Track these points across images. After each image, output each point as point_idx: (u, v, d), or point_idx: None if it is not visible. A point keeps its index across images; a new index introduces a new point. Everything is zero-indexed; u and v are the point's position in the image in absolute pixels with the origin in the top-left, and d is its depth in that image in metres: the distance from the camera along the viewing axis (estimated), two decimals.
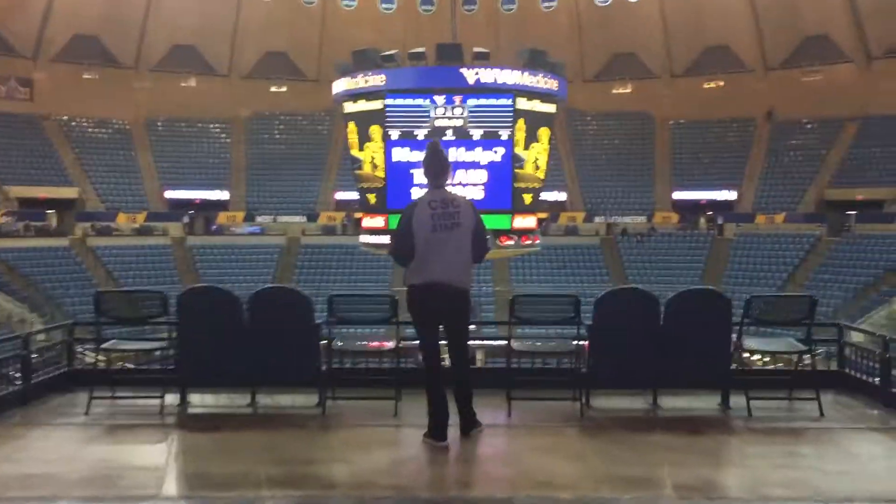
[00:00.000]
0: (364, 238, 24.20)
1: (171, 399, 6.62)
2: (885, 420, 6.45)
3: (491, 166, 22.16)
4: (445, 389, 5.69)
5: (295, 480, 5.00)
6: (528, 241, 23.58)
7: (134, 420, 6.42)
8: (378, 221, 22.80)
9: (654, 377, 6.51)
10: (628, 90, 48.10)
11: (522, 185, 22.76)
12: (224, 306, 6.62)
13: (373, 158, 22.53)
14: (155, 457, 5.53)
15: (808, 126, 44.99)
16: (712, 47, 46.74)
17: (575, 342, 6.58)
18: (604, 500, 4.63)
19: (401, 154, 22.05)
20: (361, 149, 22.76)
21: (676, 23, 46.55)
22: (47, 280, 34.06)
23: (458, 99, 21.88)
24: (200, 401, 6.86)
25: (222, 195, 44.46)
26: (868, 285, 33.46)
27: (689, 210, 43.35)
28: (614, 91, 48.06)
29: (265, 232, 42.19)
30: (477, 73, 21.83)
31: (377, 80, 21.90)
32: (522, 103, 22.08)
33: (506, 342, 6.67)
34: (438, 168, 5.85)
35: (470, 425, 5.76)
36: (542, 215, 28.09)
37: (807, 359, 6.85)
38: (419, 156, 21.47)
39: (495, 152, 22.21)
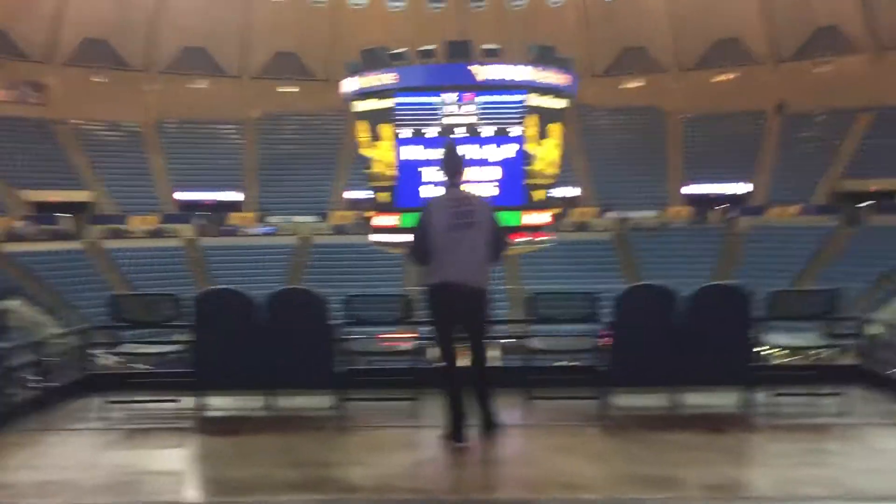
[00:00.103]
0: (374, 236, 24.21)
1: (188, 402, 6.59)
2: None
3: (503, 163, 22.12)
4: (464, 389, 5.63)
5: (313, 484, 4.95)
6: (541, 237, 23.53)
7: (151, 424, 6.39)
8: (389, 220, 22.79)
9: (674, 374, 6.41)
10: (638, 85, 47.87)
11: (534, 181, 22.71)
12: (239, 308, 6.57)
13: (383, 157, 22.52)
14: (173, 461, 5.50)
15: (820, 118, 44.63)
16: (722, 40, 46.51)
17: (594, 340, 6.50)
18: (629, 502, 4.56)
19: (411, 152, 22.05)
20: (372, 147, 22.77)
21: (685, 16, 46.33)
22: (62, 283, 34.22)
23: (468, 96, 21.85)
24: (217, 404, 6.82)
25: (234, 196, 44.57)
26: (883, 277, 33.16)
27: (702, 204, 43.13)
28: (624, 86, 47.86)
29: (277, 232, 42.24)
30: (487, 70, 21.79)
31: (387, 78, 21.91)
32: (533, 99, 22.05)
33: (523, 340, 6.59)
34: (454, 167, 5.80)
35: (489, 425, 5.69)
36: (556, 210, 27.97)
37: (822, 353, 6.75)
38: (429, 154, 21.48)
39: (507, 149, 22.16)
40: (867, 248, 35.62)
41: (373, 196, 24.10)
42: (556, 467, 5.24)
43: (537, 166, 22.55)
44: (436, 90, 21.84)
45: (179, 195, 43.80)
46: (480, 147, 21.89)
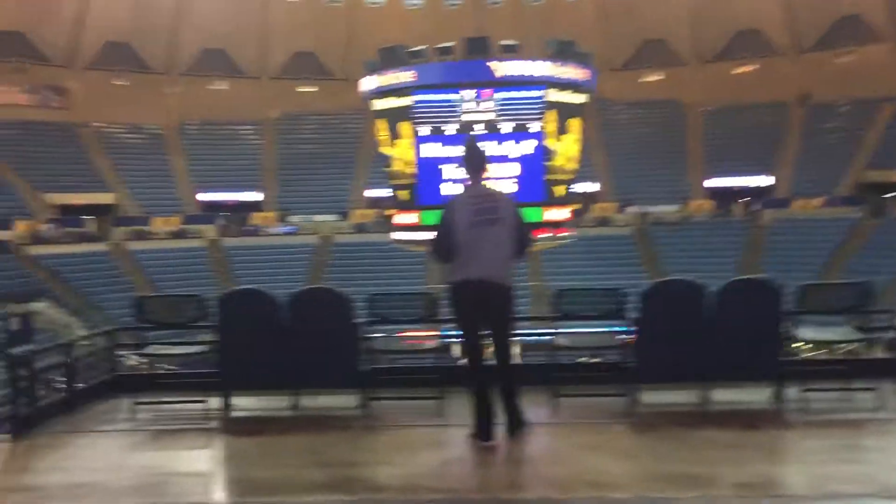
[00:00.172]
0: (396, 234, 24.21)
1: (214, 403, 6.59)
2: None
3: (522, 159, 22.03)
4: (490, 387, 5.58)
5: (341, 484, 4.92)
6: (562, 233, 23.42)
7: (178, 425, 6.41)
8: (410, 217, 22.79)
9: (703, 370, 6.32)
10: (658, 78, 47.49)
11: (554, 176, 22.61)
12: (264, 308, 6.57)
13: (403, 155, 22.51)
14: (200, 463, 5.51)
15: (843, 108, 44.07)
16: (742, 31, 46.03)
17: (621, 336, 6.43)
18: (660, 501, 4.48)
19: (431, 150, 22.03)
20: (392, 145, 22.76)
21: (705, 7, 45.91)
22: (87, 285, 34.56)
23: (486, 92, 21.77)
24: (243, 404, 6.83)
25: (255, 196, 44.79)
26: None
27: (724, 197, 42.74)
28: (643, 79, 47.48)
29: (298, 232, 42.38)
30: (506, 66, 21.70)
31: (406, 76, 21.89)
32: (553, 94, 21.93)
33: (550, 337, 6.53)
34: (477, 163, 5.76)
35: (516, 424, 5.62)
36: (577, 206, 27.82)
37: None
38: (449, 151, 21.45)
39: (526, 145, 22.07)
40: (892, 239, 35.13)
41: (393, 194, 24.11)
42: (584, 466, 5.18)
43: (557, 162, 22.44)
44: (454, 87, 21.80)
45: (201, 196, 44.06)
46: (500, 143, 21.82)
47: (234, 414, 6.62)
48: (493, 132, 21.67)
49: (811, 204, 39.75)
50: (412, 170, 22.31)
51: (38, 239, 36.69)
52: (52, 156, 41.30)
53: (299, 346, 6.42)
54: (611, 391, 6.40)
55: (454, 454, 5.55)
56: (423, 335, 7.24)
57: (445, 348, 6.76)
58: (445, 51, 22.87)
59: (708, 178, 43.88)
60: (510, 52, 22.70)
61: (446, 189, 20.80)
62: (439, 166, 21.46)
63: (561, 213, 23.01)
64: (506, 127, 21.83)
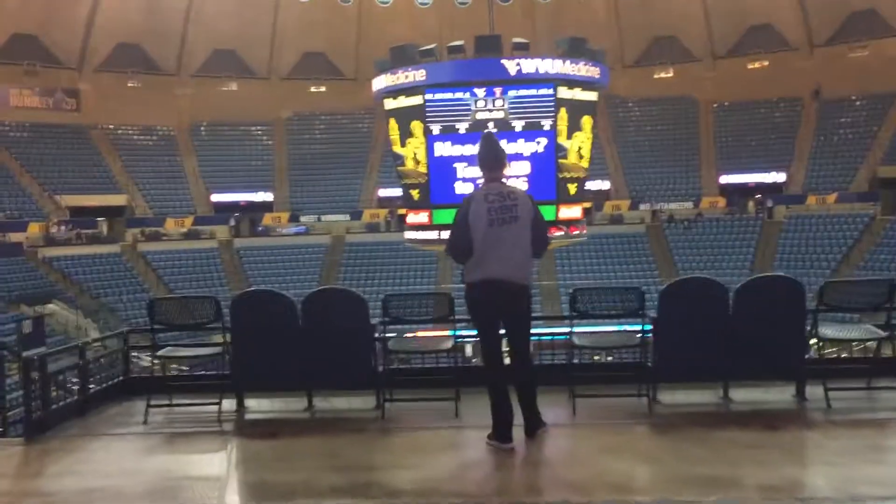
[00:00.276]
0: (409, 234, 24.14)
1: (228, 405, 6.53)
2: None
3: (534, 157, 21.88)
4: (508, 388, 5.49)
5: (357, 488, 4.84)
6: (576, 232, 23.28)
7: (192, 428, 6.34)
8: (422, 217, 22.70)
9: (724, 369, 6.22)
10: (670, 74, 47.17)
11: (566, 174, 22.45)
12: (277, 309, 6.50)
13: (415, 154, 22.42)
14: (215, 466, 5.43)
15: (858, 103, 43.69)
16: (755, 27, 45.66)
17: (640, 335, 6.33)
18: None
19: (443, 148, 21.91)
20: (403, 145, 22.67)
21: (717, 3, 45.56)
22: (100, 287, 34.67)
23: (498, 91, 21.65)
24: (257, 406, 6.77)
25: (267, 196, 44.81)
26: None
27: (737, 194, 42.44)
28: (656, 76, 47.16)
29: (310, 232, 42.40)
30: (518, 64, 21.55)
31: (417, 75, 21.78)
32: (564, 92, 21.77)
33: (567, 337, 6.44)
34: (494, 160, 5.65)
35: (535, 425, 5.54)
36: (587, 204, 27.65)
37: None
38: (461, 150, 21.34)
39: (538, 143, 21.93)
40: None
41: (405, 193, 24.02)
42: (604, 468, 5.08)
43: (569, 159, 22.29)
44: (466, 86, 21.67)
45: (213, 197, 44.14)
46: (512, 142, 21.68)
47: (248, 416, 6.57)
48: (505, 130, 21.53)
49: (825, 200, 39.42)
50: (424, 169, 22.20)
51: (50, 241, 36.80)
52: (65, 158, 41.48)
53: (313, 348, 6.36)
54: (630, 391, 6.29)
55: (472, 457, 5.46)
56: (438, 335, 7.14)
57: (461, 348, 6.66)
58: (457, 49, 22.76)
59: (721, 174, 43.58)
60: (521, 50, 22.57)
61: (460, 188, 20.71)
62: (452, 165, 21.36)
63: (573, 212, 22.85)
64: (518, 125, 21.70)
